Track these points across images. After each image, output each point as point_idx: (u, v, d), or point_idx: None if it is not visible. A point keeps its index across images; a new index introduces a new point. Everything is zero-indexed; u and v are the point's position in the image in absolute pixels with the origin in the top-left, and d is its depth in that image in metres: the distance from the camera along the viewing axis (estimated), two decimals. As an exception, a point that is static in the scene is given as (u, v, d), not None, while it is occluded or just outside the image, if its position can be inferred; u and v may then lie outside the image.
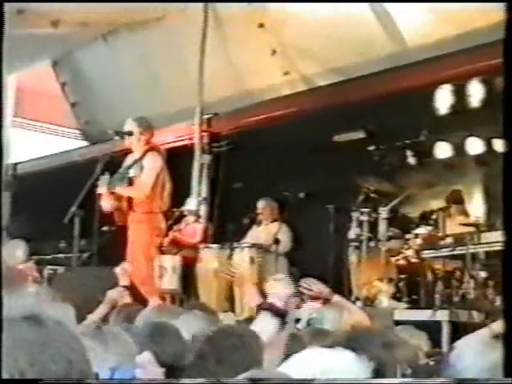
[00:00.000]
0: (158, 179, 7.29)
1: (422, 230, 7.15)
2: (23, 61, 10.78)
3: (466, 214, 7.61)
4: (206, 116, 10.28)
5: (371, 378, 1.81)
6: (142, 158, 7.31)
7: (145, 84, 11.25)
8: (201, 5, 9.93)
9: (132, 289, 5.80)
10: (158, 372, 2.75)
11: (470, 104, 7.60)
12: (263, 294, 4.26)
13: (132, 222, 7.28)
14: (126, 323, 3.71)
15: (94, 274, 7.85)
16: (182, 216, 8.97)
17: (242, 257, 8.20)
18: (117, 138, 7.60)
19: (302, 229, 8.83)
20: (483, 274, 6.42)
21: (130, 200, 7.27)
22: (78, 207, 8.05)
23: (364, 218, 7.56)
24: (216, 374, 2.16)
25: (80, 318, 3.81)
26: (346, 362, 1.74)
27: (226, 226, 9.12)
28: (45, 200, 11.70)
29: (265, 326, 3.14)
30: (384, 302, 6.98)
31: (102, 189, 7.26)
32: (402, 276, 7.12)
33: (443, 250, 6.84)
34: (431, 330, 4.79)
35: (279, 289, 3.43)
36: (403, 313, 6.61)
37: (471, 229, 6.64)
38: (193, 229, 9.03)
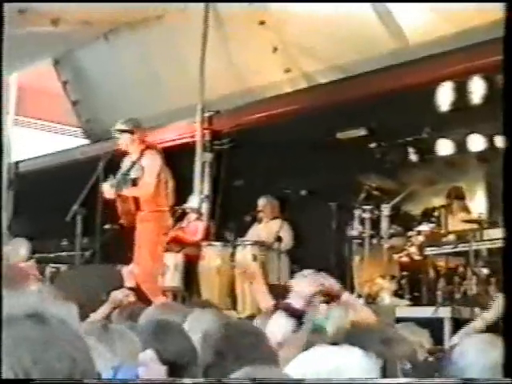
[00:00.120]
0: (160, 177, 7.31)
1: (425, 227, 7.16)
2: (24, 60, 10.79)
3: (467, 210, 7.61)
4: (207, 114, 10.27)
5: (375, 378, 1.81)
6: (140, 158, 7.33)
7: (146, 82, 11.25)
8: (201, 4, 9.93)
9: (137, 290, 5.82)
10: (161, 370, 2.75)
11: (472, 101, 7.60)
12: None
13: (140, 222, 7.29)
14: (129, 321, 3.71)
15: (97, 272, 7.87)
16: (184, 214, 8.97)
17: (245, 254, 8.21)
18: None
19: (304, 226, 8.84)
20: (485, 271, 6.42)
21: (136, 200, 7.29)
22: (80, 205, 8.07)
23: (366, 215, 7.56)
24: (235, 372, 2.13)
25: (83, 316, 3.81)
26: (355, 360, 1.73)
27: (228, 224, 9.13)
28: (47, 198, 11.70)
29: (279, 327, 3.07)
30: (386, 299, 6.98)
31: (109, 194, 7.27)
32: (405, 273, 7.12)
33: (445, 247, 6.84)
34: (433, 327, 4.79)
35: (303, 286, 3.31)
36: (405, 310, 6.62)
37: (473, 226, 6.64)
38: (195, 227, 9.03)
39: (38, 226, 11.63)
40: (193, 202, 9.43)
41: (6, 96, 11.79)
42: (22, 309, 1.40)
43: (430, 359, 3.48)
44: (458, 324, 6.03)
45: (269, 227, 8.83)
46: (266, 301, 4.56)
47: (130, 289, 5.47)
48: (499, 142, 7.05)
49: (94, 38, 11.40)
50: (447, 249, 6.81)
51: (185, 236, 8.82)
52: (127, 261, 7.54)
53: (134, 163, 7.32)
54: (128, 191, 7.24)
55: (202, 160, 10.14)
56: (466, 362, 2.54)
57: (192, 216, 9.06)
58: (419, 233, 7.12)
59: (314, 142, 8.76)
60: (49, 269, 9.77)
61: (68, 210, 8.07)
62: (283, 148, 9.09)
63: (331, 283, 3.44)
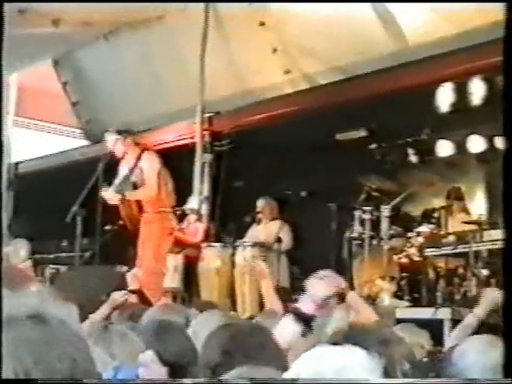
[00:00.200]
0: (160, 176, 7.33)
1: (424, 228, 7.16)
2: (24, 60, 10.79)
3: (466, 211, 7.62)
4: (207, 115, 10.27)
5: (378, 378, 1.81)
6: (137, 161, 7.33)
7: (146, 83, 11.25)
8: (201, 4, 9.93)
9: (140, 293, 5.82)
10: (162, 371, 2.75)
11: (472, 102, 7.59)
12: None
13: (144, 224, 7.30)
14: (130, 322, 3.71)
15: (97, 273, 7.87)
16: (183, 215, 8.97)
17: (244, 255, 8.21)
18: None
19: (304, 227, 8.84)
20: (485, 272, 6.42)
21: (139, 203, 7.30)
22: (79, 206, 8.07)
23: (366, 216, 7.56)
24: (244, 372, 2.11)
25: (82, 317, 3.82)
26: (358, 359, 1.73)
27: (228, 225, 9.13)
28: (47, 199, 11.71)
29: (285, 331, 3.00)
30: (386, 300, 6.98)
31: (114, 200, 7.26)
32: (404, 274, 7.12)
33: (445, 248, 6.83)
34: (433, 328, 4.79)
35: (318, 289, 3.24)
36: (405, 311, 6.61)
37: (473, 227, 6.64)
38: (195, 228, 9.03)
39: (37, 226, 11.64)
40: (192, 203, 9.42)
41: (6, 96, 11.80)
42: (22, 309, 1.40)
43: (428, 360, 3.47)
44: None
45: (268, 228, 8.83)
46: (273, 301, 4.54)
47: (134, 291, 5.47)
48: (499, 143, 7.05)
49: (94, 39, 11.40)
50: (447, 250, 6.81)
51: (185, 237, 8.82)
52: (127, 262, 7.55)
53: (133, 167, 7.33)
54: (132, 195, 7.24)
55: (201, 161, 10.14)
56: (466, 363, 2.54)
57: (192, 217, 9.06)
58: (419, 234, 7.12)
59: (313, 143, 8.76)
60: (48, 270, 9.78)
61: (68, 211, 8.07)
62: (283, 149, 9.09)
63: (339, 280, 3.35)
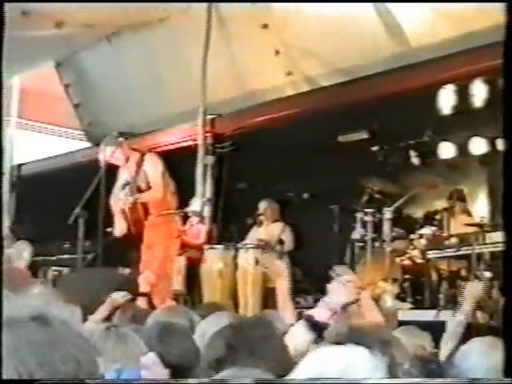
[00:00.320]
0: (164, 177, 7.35)
1: (427, 231, 7.16)
2: (27, 62, 10.80)
3: (468, 213, 7.61)
4: (209, 117, 10.26)
5: (382, 377, 1.81)
6: (140, 164, 7.34)
7: (148, 85, 11.25)
8: (204, 5, 9.92)
9: (150, 296, 5.82)
10: (163, 373, 2.75)
11: (474, 104, 7.59)
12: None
13: (150, 227, 7.29)
14: (133, 324, 3.71)
15: (99, 275, 7.86)
16: (186, 217, 8.97)
17: (247, 257, 8.21)
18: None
19: (306, 229, 8.84)
20: (488, 275, 6.41)
21: (145, 206, 7.30)
22: (82, 208, 8.06)
23: (368, 218, 7.56)
24: (248, 366, 2.11)
25: (85, 319, 3.82)
26: (363, 359, 1.73)
27: (230, 227, 9.13)
28: (49, 201, 11.71)
29: (295, 339, 2.95)
30: (388, 302, 6.98)
31: (126, 204, 7.25)
32: (407, 276, 7.12)
33: (448, 250, 6.83)
34: (435, 330, 4.79)
35: (339, 295, 3.14)
36: (407, 313, 6.61)
37: (476, 229, 6.64)
38: (197, 230, 9.03)
39: (40, 228, 11.64)
40: (195, 205, 9.42)
41: (8, 98, 11.81)
42: (25, 311, 1.40)
43: (433, 363, 3.47)
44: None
45: (269, 230, 8.83)
46: (286, 300, 4.51)
47: (144, 294, 5.47)
48: (501, 145, 7.05)
49: (96, 41, 11.40)
50: (449, 252, 6.81)
51: (187, 239, 8.82)
52: (129, 264, 7.54)
53: (137, 169, 7.34)
54: (141, 198, 7.25)
55: (203, 163, 10.13)
56: (468, 364, 2.54)
57: (194, 219, 9.06)
58: (421, 236, 7.12)
59: (315, 145, 8.75)
60: (51, 272, 9.78)
61: (70, 213, 8.06)
62: (285, 151, 9.09)
63: (352, 277, 3.28)
